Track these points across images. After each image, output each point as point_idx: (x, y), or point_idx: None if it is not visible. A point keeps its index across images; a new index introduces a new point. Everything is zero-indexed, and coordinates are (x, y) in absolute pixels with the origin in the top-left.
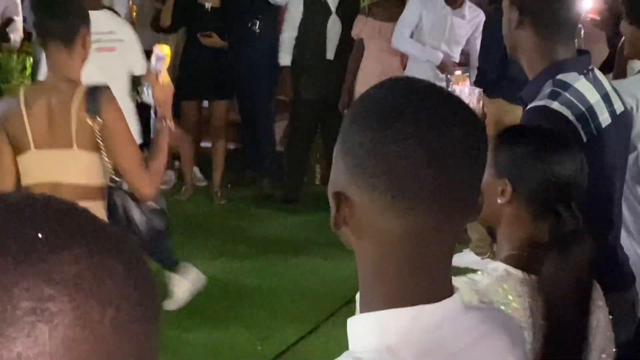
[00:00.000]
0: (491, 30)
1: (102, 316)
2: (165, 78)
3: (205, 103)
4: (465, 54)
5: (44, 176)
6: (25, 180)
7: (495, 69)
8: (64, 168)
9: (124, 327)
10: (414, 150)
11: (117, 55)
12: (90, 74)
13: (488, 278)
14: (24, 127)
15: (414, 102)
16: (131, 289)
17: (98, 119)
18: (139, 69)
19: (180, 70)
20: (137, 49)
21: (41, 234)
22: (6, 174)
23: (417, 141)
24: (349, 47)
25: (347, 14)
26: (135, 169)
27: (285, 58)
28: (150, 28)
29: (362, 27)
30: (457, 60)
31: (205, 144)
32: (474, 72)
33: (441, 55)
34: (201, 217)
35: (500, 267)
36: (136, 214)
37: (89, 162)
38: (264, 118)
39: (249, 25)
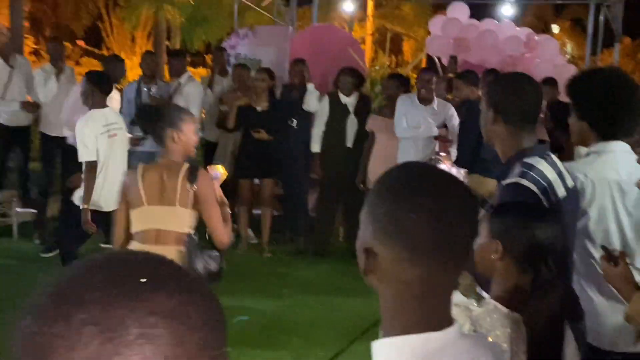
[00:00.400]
0: (466, 125)
1: (192, 338)
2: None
3: (257, 180)
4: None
5: (151, 224)
6: (136, 227)
7: (470, 153)
8: (167, 219)
9: (207, 347)
10: (424, 218)
11: (119, 138)
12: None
13: (480, 308)
14: (139, 190)
15: (422, 181)
16: (210, 317)
17: (194, 186)
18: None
19: (238, 157)
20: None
21: (144, 279)
22: (121, 221)
23: (426, 211)
24: (364, 138)
25: (362, 113)
26: (218, 224)
27: (315, 147)
28: (215, 126)
29: (374, 123)
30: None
31: (256, 211)
32: (454, 149)
33: (436, 130)
34: (252, 265)
35: (491, 302)
36: (198, 258)
37: (185, 216)
38: (300, 192)
39: (289, 122)
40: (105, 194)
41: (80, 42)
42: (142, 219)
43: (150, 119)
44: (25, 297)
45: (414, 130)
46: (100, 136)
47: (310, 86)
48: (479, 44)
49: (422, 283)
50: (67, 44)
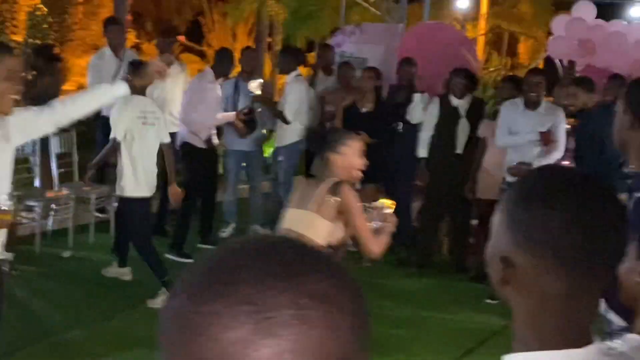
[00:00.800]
0: (584, 134)
1: (344, 323)
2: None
3: (357, 186)
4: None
5: (288, 224)
6: (284, 225)
7: (592, 163)
8: (302, 223)
9: (358, 333)
10: (574, 227)
11: (154, 128)
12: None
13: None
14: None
15: (568, 185)
16: (359, 305)
17: (337, 198)
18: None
19: None
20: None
21: (295, 262)
22: None
23: (574, 216)
24: (475, 144)
25: (474, 118)
26: (366, 233)
27: (422, 152)
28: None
29: (486, 129)
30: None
31: None
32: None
33: (536, 135)
34: (353, 276)
35: (635, 338)
36: None
37: (320, 225)
38: (404, 199)
39: (394, 126)
40: (140, 178)
41: (181, 38)
42: (286, 219)
43: (317, 142)
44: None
45: (511, 138)
46: (135, 120)
47: (417, 97)
48: (605, 46)
49: (566, 295)
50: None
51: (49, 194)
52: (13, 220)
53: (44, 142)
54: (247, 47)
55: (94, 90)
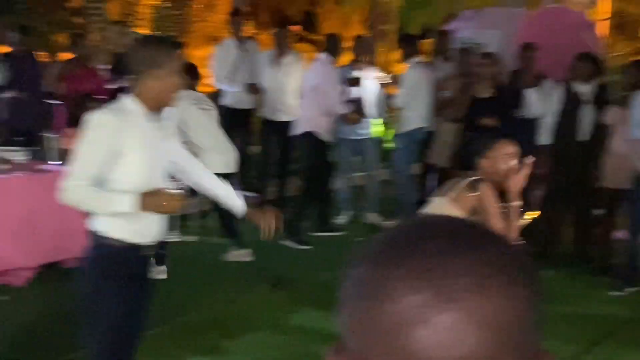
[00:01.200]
0: None
1: (522, 294)
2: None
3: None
4: None
5: (432, 212)
6: (427, 211)
7: None
8: (441, 211)
9: (533, 304)
10: None
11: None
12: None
13: None
14: None
15: None
16: (534, 277)
17: (476, 193)
18: None
19: (458, 147)
20: None
21: (473, 236)
22: None
23: None
24: (600, 131)
25: (600, 104)
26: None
27: (544, 139)
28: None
29: (612, 115)
30: None
31: None
32: None
33: None
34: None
35: None
36: None
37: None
38: (524, 188)
39: (514, 113)
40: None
41: (296, 27)
42: (429, 206)
43: (465, 161)
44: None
45: None
46: (190, 107)
47: (530, 93)
48: None
49: None
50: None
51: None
52: (182, 205)
53: None
54: (360, 36)
55: (225, 192)
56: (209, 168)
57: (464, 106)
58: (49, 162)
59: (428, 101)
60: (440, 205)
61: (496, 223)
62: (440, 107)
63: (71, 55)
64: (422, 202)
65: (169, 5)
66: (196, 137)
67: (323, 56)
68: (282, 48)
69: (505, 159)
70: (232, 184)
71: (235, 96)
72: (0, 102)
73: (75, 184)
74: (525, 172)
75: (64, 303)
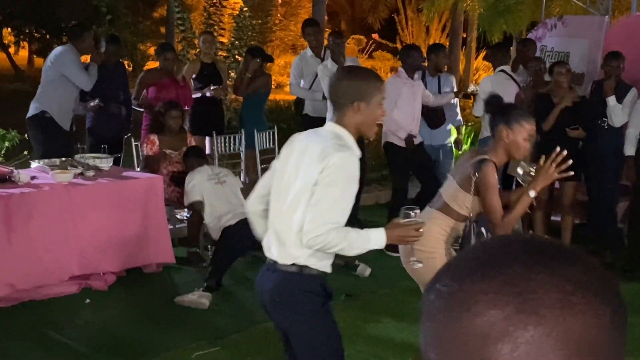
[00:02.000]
0: None
1: (604, 312)
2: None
3: (557, 183)
4: None
5: (443, 193)
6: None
7: None
8: (447, 192)
9: (616, 324)
10: None
11: None
12: None
13: None
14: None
15: None
16: (618, 298)
17: (477, 174)
18: None
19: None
20: None
21: (558, 253)
22: None
23: None
24: None
25: None
26: (494, 215)
27: (629, 149)
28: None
29: None
30: None
31: (554, 218)
32: None
33: None
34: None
35: None
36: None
37: (462, 198)
38: (609, 199)
39: (599, 121)
40: None
41: (375, 36)
42: (443, 186)
43: (496, 107)
44: None
45: None
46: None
47: (612, 101)
48: None
49: None
50: (362, 37)
51: None
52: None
53: (250, 138)
54: (436, 45)
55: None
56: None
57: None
58: (133, 169)
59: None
60: (449, 188)
61: (494, 205)
62: None
63: (156, 64)
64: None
65: (251, 14)
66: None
67: (401, 71)
68: (338, 58)
69: (526, 138)
70: None
71: (315, 105)
72: (86, 109)
73: (330, 227)
74: (555, 167)
75: (143, 307)
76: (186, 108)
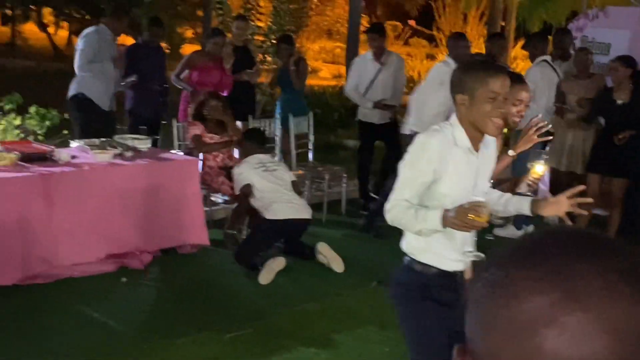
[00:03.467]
0: None
1: None
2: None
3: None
4: None
5: None
6: None
7: None
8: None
9: None
10: None
11: None
12: None
13: None
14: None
15: None
16: None
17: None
18: None
19: (592, 149)
20: None
21: (601, 243)
22: None
23: None
24: None
25: None
26: None
27: None
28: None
29: None
30: None
31: (595, 211)
32: None
33: None
34: None
35: None
36: None
37: None
38: None
39: None
40: None
41: (411, 22)
42: None
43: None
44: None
45: None
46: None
47: None
48: None
49: None
50: (398, 24)
51: (298, 172)
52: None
53: (285, 123)
54: (495, 34)
55: (511, 197)
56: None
57: (589, 109)
58: (171, 151)
59: (548, 101)
60: None
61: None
62: (559, 108)
63: (193, 47)
64: None
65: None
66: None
67: (449, 60)
68: (378, 49)
69: (515, 103)
70: (343, 178)
71: (364, 111)
72: (120, 86)
73: (395, 203)
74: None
75: (178, 287)
76: (224, 94)
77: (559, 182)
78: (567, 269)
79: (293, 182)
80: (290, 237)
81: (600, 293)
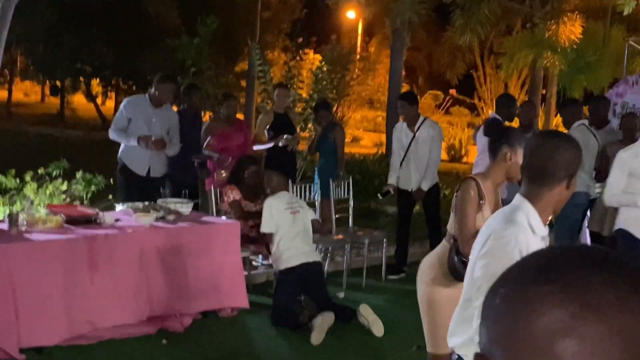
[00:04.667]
0: None
1: None
2: None
3: None
4: None
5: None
6: None
7: None
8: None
9: None
10: None
11: None
12: None
13: None
14: None
15: None
16: None
17: (456, 195)
18: None
19: None
20: None
21: (611, 258)
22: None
23: None
24: None
25: None
26: (462, 236)
27: None
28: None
29: None
30: None
31: None
32: None
33: None
34: None
35: None
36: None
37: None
38: None
39: None
40: None
41: (452, 91)
42: None
43: (495, 132)
44: None
45: None
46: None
47: None
48: None
49: None
50: (440, 93)
51: (338, 237)
52: None
53: (326, 188)
54: (527, 102)
55: None
56: None
57: None
58: (210, 215)
59: (591, 166)
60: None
61: (462, 219)
62: (601, 170)
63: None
64: None
65: (330, 68)
66: None
67: (495, 116)
68: (407, 116)
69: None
70: None
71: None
72: (168, 156)
73: None
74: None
75: (219, 350)
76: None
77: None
78: (582, 282)
79: (313, 221)
80: (310, 286)
81: (614, 304)
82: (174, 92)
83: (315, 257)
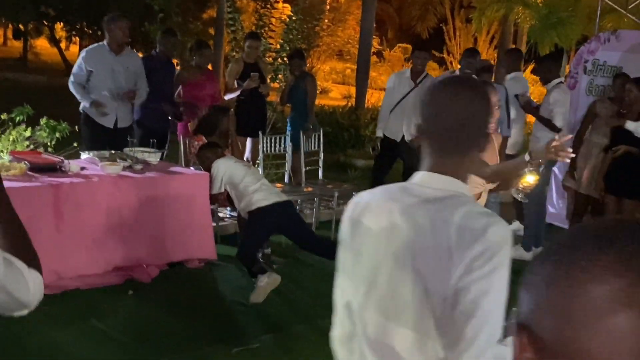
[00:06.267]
0: None
1: None
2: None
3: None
4: None
5: None
6: None
7: None
8: None
9: None
10: None
11: None
12: None
13: None
14: None
15: None
16: None
17: None
18: None
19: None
20: None
21: None
22: None
23: None
24: None
25: None
26: None
27: None
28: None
29: None
30: None
31: None
32: None
33: None
34: None
35: None
36: None
37: None
38: None
39: None
40: None
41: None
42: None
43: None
44: None
45: None
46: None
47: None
48: None
49: None
50: (409, 46)
51: (307, 189)
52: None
53: (296, 139)
54: (513, 49)
55: None
56: None
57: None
58: (179, 165)
59: (566, 123)
60: None
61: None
62: (583, 131)
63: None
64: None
65: (300, 18)
66: None
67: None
68: (423, 67)
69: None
70: None
71: (390, 127)
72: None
73: None
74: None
75: (185, 301)
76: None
77: (579, 203)
78: (627, 259)
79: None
80: (287, 225)
81: None
82: (129, 27)
83: (286, 197)
